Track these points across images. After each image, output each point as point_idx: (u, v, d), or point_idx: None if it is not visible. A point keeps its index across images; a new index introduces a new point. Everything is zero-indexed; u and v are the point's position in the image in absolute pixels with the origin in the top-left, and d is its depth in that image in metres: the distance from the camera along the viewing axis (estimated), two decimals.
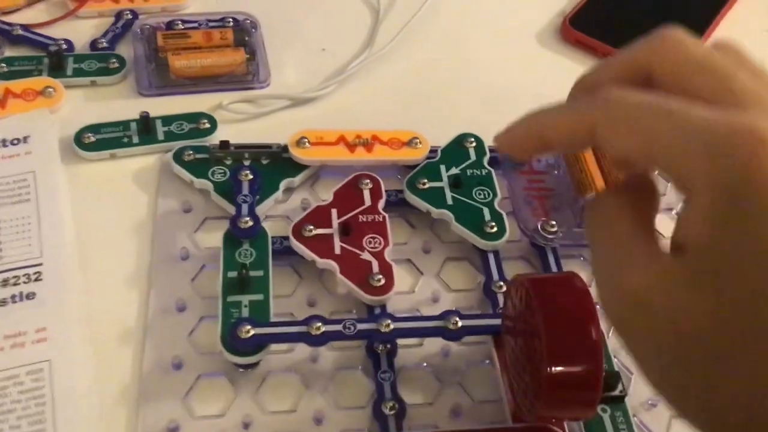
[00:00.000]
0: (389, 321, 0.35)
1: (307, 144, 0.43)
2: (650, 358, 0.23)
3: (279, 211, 0.42)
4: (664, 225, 0.41)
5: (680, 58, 0.24)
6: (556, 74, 0.52)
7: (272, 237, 0.39)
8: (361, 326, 0.35)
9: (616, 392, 0.35)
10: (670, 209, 0.43)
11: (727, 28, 0.56)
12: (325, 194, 0.42)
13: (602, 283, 0.24)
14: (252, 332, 0.34)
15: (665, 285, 0.22)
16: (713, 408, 0.22)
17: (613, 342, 0.38)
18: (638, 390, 0.36)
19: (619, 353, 0.38)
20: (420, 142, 0.44)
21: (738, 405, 0.22)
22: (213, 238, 0.40)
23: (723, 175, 0.21)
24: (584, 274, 0.40)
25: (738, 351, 0.21)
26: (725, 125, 0.22)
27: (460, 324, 0.35)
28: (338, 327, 0.35)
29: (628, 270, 0.23)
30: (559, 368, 0.29)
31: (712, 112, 0.22)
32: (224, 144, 0.42)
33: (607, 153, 0.28)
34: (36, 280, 0.37)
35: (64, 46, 0.47)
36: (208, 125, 0.44)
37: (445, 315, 0.36)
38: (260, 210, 0.40)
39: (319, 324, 0.34)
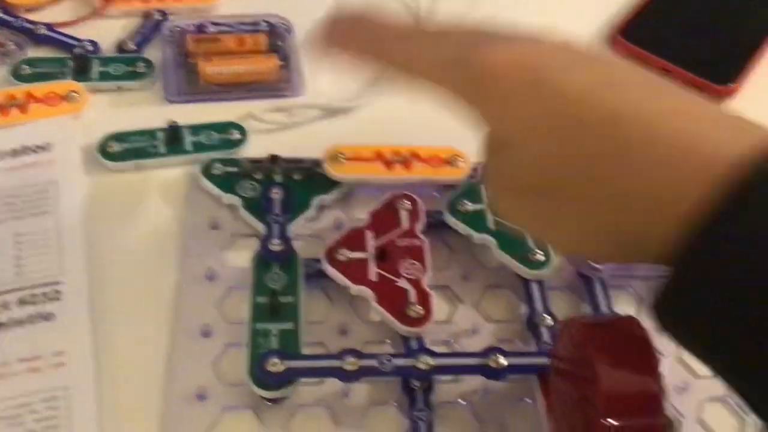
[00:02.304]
0: (428, 357, 0.33)
1: (342, 160, 0.40)
2: None
3: (310, 230, 0.40)
4: None
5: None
6: None
7: (303, 259, 0.37)
8: (397, 362, 0.33)
9: None
10: None
11: None
12: (359, 213, 0.40)
13: None
14: (281, 366, 0.32)
15: None
16: None
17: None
18: None
19: (671, 398, 0.35)
20: (462, 160, 0.41)
21: None
22: (241, 257, 0.38)
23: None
24: (633, 309, 0.38)
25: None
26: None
27: (503, 362, 0.33)
28: (373, 362, 0.32)
29: None
30: (615, 422, 0.27)
31: None
32: (274, 158, 0.40)
33: None
34: (54, 299, 0.35)
35: (90, 48, 0.45)
36: (238, 136, 0.42)
37: (488, 353, 0.33)
38: (291, 229, 0.38)
39: (353, 359, 0.32)
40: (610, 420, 0.27)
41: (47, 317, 0.34)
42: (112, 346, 0.34)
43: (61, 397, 0.32)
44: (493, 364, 0.33)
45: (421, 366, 0.32)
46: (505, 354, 0.33)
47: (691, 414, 0.35)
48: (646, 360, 0.28)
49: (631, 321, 0.29)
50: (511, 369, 0.33)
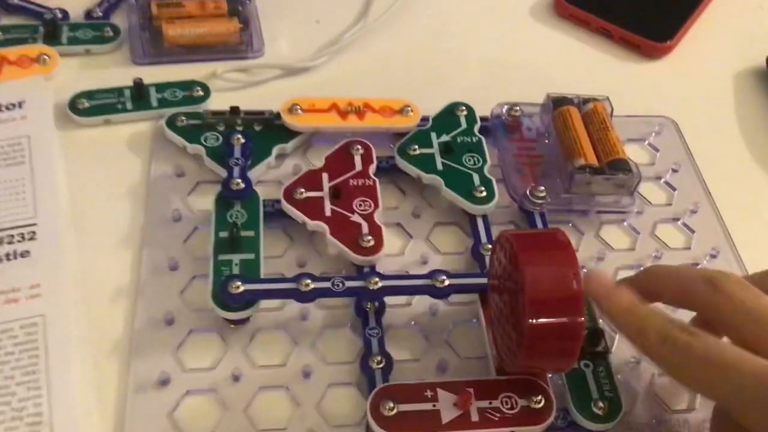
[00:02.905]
0: (377, 279, 0.35)
1: (299, 111, 0.43)
2: None
3: (271, 176, 0.42)
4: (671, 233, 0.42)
5: (730, 308, 0.30)
6: (549, 47, 0.53)
7: (264, 200, 0.40)
8: (349, 283, 0.35)
9: (600, 348, 0.35)
10: (677, 219, 0.43)
11: (721, 4, 0.56)
12: (317, 160, 0.42)
13: None
14: (242, 288, 0.34)
15: None
16: None
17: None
18: (621, 348, 0.37)
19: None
20: (411, 110, 0.44)
21: None
22: (205, 201, 0.40)
23: None
24: (571, 239, 0.41)
25: None
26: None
27: (447, 282, 0.36)
28: (327, 284, 0.35)
29: None
30: (540, 318, 0.30)
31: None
32: (234, 109, 0.43)
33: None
34: (30, 239, 0.37)
35: (60, 15, 0.48)
36: (201, 93, 0.45)
37: (433, 274, 0.36)
38: (253, 175, 0.41)
39: (308, 281, 0.35)
40: (535, 318, 0.30)
41: (24, 254, 0.37)
42: (85, 279, 0.37)
43: (38, 324, 0.35)
44: (437, 284, 0.36)
45: (371, 286, 0.35)
46: (449, 275, 0.36)
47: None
48: (568, 263, 0.31)
49: (555, 231, 0.32)
50: (454, 288, 0.36)
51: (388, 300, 0.37)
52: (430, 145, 0.43)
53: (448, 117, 0.44)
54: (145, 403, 0.33)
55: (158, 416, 0.33)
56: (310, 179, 0.40)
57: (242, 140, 0.41)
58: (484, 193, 0.41)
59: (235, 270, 0.36)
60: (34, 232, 0.38)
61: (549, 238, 0.32)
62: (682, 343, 0.29)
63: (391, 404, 0.32)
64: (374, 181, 0.41)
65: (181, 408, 0.33)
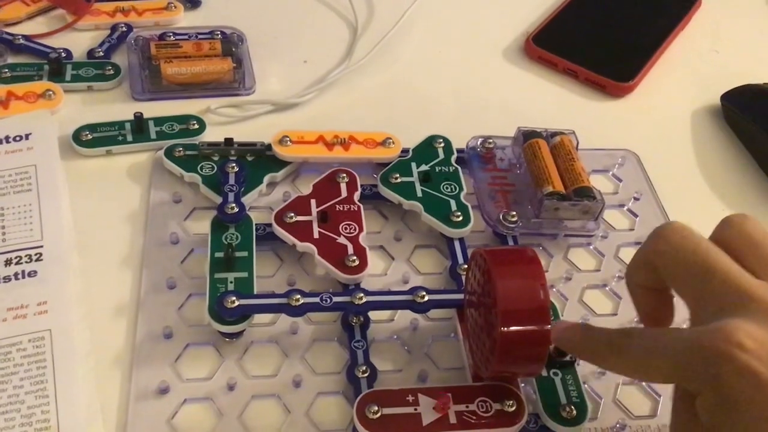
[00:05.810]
0: (362, 294, 0.38)
1: (288, 142, 0.46)
2: None
3: (263, 203, 0.45)
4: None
5: (673, 257, 0.32)
6: (520, 86, 0.57)
7: (256, 224, 0.42)
8: (336, 299, 0.38)
9: (567, 358, 0.38)
10: (639, 243, 0.46)
11: (679, 47, 0.61)
12: (306, 188, 0.45)
13: None
14: (237, 303, 0.37)
15: None
16: None
17: (566, 318, 0.42)
18: None
19: (558, 285, 0.42)
20: (393, 142, 0.47)
21: None
22: (201, 225, 0.43)
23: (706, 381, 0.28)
24: (542, 260, 0.44)
25: None
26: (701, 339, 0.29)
27: (426, 298, 0.39)
28: (316, 299, 0.38)
29: None
30: (511, 326, 0.33)
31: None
32: (229, 141, 0.46)
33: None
34: (37, 260, 0.40)
35: (63, 55, 0.51)
36: (196, 126, 0.48)
37: (413, 290, 0.39)
38: (245, 201, 0.44)
39: (299, 296, 0.38)
40: (507, 327, 0.33)
41: (31, 274, 0.39)
42: (89, 296, 0.39)
43: (45, 338, 0.37)
44: (418, 299, 0.39)
45: (357, 301, 0.38)
46: (428, 291, 0.39)
47: (574, 297, 0.43)
48: (536, 275, 0.34)
49: (524, 248, 0.36)
50: (433, 303, 0.39)
51: (372, 316, 0.40)
52: (411, 174, 0.46)
53: (427, 148, 0.48)
54: (145, 411, 0.36)
55: (158, 423, 0.36)
56: (300, 204, 0.43)
57: (236, 168, 0.44)
58: (461, 218, 0.44)
59: (230, 287, 0.39)
60: (40, 254, 0.40)
61: (519, 254, 0.35)
62: (623, 344, 0.32)
63: (376, 408, 0.35)
64: (359, 207, 0.44)
65: (180, 415, 0.36)
